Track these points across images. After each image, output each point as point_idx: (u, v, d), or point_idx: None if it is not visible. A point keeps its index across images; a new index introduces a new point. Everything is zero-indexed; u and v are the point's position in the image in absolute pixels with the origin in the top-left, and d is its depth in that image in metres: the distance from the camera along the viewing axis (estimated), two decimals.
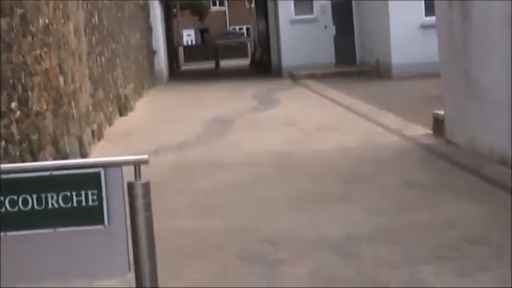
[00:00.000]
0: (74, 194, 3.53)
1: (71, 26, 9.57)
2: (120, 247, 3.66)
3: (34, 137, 6.98)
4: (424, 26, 19.37)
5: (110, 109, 13.09)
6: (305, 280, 4.76)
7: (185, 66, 37.32)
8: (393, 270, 4.81)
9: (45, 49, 7.75)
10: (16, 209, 3.50)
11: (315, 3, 24.58)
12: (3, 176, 3.47)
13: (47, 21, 7.94)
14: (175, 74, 29.37)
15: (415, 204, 6.57)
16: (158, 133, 12.20)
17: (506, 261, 4.85)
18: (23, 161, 6.47)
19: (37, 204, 3.53)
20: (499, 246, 5.19)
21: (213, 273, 5.02)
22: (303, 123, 12.33)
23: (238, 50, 44.72)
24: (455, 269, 4.74)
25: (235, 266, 5.17)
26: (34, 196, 3.52)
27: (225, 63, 35.97)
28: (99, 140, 11.12)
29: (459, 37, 8.75)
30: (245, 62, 37.06)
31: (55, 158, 7.67)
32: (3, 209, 3.49)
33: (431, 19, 17.44)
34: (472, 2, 8.27)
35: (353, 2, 24.14)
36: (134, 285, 3.78)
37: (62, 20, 8.91)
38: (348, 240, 5.60)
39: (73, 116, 9.20)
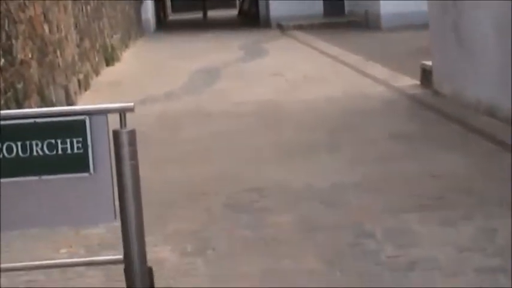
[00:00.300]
0: (59, 141, 3.52)
1: None
2: (105, 195, 3.67)
3: (19, 86, 6.94)
4: None
5: (97, 59, 12.99)
6: (290, 228, 4.80)
7: (172, 17, 36.98)
8: (378, 219, 4.85)
9: None
10: (0, 156, 3.49)
11: None
12: None
13: None
14: (163, 25, 29.11)
15: (401, 154, 6.61)
16: (145, 83, 12.14)
17: (489, 210, 4.91)
18: (8, 109, 6.43)
19: (22, 151, 3.52)
20: (483, 195, 5.24)
21: (199, 222, 5.05)
22: (291, 74, 12.30)
23: (226, 1, 44.26)
24: (439, 218, 4.79)
25: (220, 215, 5.20)
26: (19, 143, 3.51)
27: (212, 14, 35.65)
28: (85, 90, 11.07)
29: None
30: (233, 12, 36.74)
31: (40, 107, 7.63)
32: None
33: None
34: None
35: None
36: (120, 234, 3.81)
37: None
38: (333, 189, 5.64)
39: (59, 66, 9.14)
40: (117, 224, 3.89)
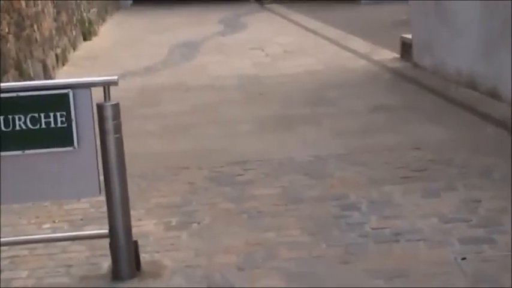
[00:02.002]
0: (42, 115, 3.50)
1: None
2: (90, 169, 3.66)
3: None
4: None
5: (74, 33, 12.86)
6: (273, 201, 4.81)
7: None
8: (361, 190, 4.88)
9: None
10: None
11: None
12: None
13: None
14: None
15: (382, 126, 6.63)
16: (124, 58, 12.05)
17: (471, 181, 4.94)
18: None
19: (4, 125, 3.49)
20: (464, 166, 5.28)
21: (181, 195, 5.04)
22: (270, 48, 12.25)
23: None
24: (422, 189, 4.82)
25: (203, 188, 5.19)
26: (1, 118, 3.49)
27: None
28: (63, 64, 10.96)
29: None
30: None
31: (18, 82, 7.55)
32: None
33: None
34: None
35: None
36: (104, 208, 3.79)
37: None
38: (315, 161, 5.65)
39: (36, 40, 9.03)
40: (101, 198, 3.89)
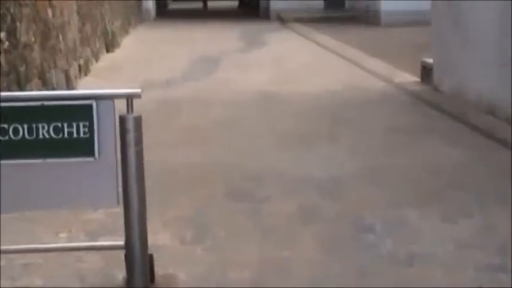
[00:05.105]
0: (65, 125, 3.54)
1: None
2: (109, 180, 3.68)
3: (22, 69, 6.93)
4: None
5: (97, 45, 12.97)
6: (289, 217, 4.82)
7: (172, 5, 36.87)
8: (378, 212, 4.87)
9: None
10: (7, 137, 3.50)
11: None
12: None
13: None
14: (163, 12, 29.02)
15: (400, 148, 6.63)
16: (145, 70, 12.13)
17: (488, 207, 4.93)
18: (10, 92, 6.42)
19: (28, 134, 3.53)
20: (482, 192, 5.26)
21: (197, 209, 5.06)
22: (290, 65, 12.30)
23: None
24: (438, 214, 4.82)
25: (220, 202, 5.21)
26: (25, 126, 3.52)
27: (212, 4, 35.56)
28: (85, 74, 11.05)
29: None
30: (233, 3, 36.64)
31: (42, 90, 7.63)
32: None
33: None
34: None
35: None
36: (121, 219, 3.82)
37: None
38: (332, 180, 5.65)
39: (60, 50, 9.12)
40: (118, 209, 3.91)
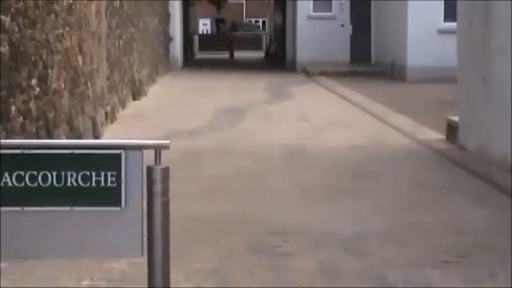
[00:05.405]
0: (93, 173, 3.55)
1: (93, 7, 9.61)
2: (134, 230, 3.68)
3: (50, 115, 7.03)
4: (441, 31, 19.34)
5: (124, 92, 13.13)
6: (311, 274, 4.79)
7: (199, 55, 37.32)
8: (400, 271, 4.83)
9: (67, 28, 7.79)
10: (36, 184, 3.53)
11: (333, 1, 24.56)
12: (26, 151, 3.50)
13: (70, 0, 7.98)
14: (189, 62, 29.39)
15: (424, 206, 6.59)
16: (170, 119, 12.24)
17: None
18: (38, 137, 6.51)
19: (56, 181, 3.55)
20: (507, 254, 5.20)
21: (219, 261, 5.04)
22: (315, 119, 12.35)
23: (253, 42, 44.68)
24: (462, 276, 4.76)
25: (242, 256, 5.19)
26: (54, 173, 3.55)
27: (239, 55, 35.95)
28: (111, 122, 11.17)
29: (479, 42, 8.74)
30: (259, 54, 37.02)
31: (69, 137, 7.72)
32: (23, 184, 3.52)
33: (449, 24, 17.42)
34: (495, 4, 8.24)
35: (372, 2, 24.11)
36: (143, 270, 3.81)
37: (85, 1, 8.94)
38: (356, 237, 5.62)
39: (88, 97, 9.25)
40: (141, 259, 3.91)
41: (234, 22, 54.28)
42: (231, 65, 28.79)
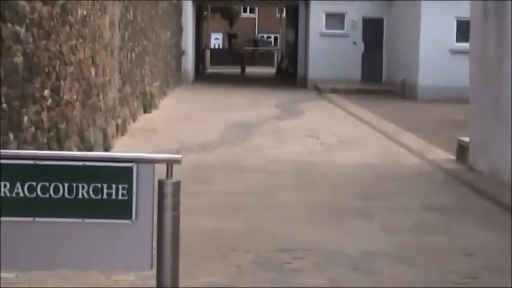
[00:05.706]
0: (104, 186, 3.56)
1: (107, 20, 9.66)
2: (144, 243, 3.68)
3: (62, 126, 7.05)
4: (453, 51, 19.37)
5: (135, 105, 13.17)
6: None
7: (211, 69, 37.42)
8: None
9: (80, 40, 7.83)
10: (47, 195, 3.53)
11: (346, 19, 24.62)
12: (38, 162, 3.51)
13: (85, 12, 8.02)
14: (201, 76, 29.46)
15: (434, 227, 6.57)
16: (180, 132, 12.25)
17: None
18: (49, 148, 6.53)
19: (68, 192, 3.56)
20: None
21: (228, 277, 5.03)
22: (325, 136, 12.34)
23: (264, 58, 44.80)
24: None
25: (250, 272, 5.18)
26: (65, 185, 3.55)
27: (250, 70, 36.02)
28: (122, 134, 11.19)
29: (492, 63, 8.74)
30: (270, 70, 37.09)
31: (79, 148, 7.74)
32: (34, 194, 3.52)
33: (462, 45, 17.47)
34: (508, 26, 8.24)
35: (384, 21, 24.15)
36: (151, 282, 3.81)
37: (99, 13, 8.99)
38: (365, 256, 5.60)
39: (100, 109, 9.28)
40: (149, 272, 3.91)
41: (255, 38, 54.68)
42: (242, 80, 28.85)
